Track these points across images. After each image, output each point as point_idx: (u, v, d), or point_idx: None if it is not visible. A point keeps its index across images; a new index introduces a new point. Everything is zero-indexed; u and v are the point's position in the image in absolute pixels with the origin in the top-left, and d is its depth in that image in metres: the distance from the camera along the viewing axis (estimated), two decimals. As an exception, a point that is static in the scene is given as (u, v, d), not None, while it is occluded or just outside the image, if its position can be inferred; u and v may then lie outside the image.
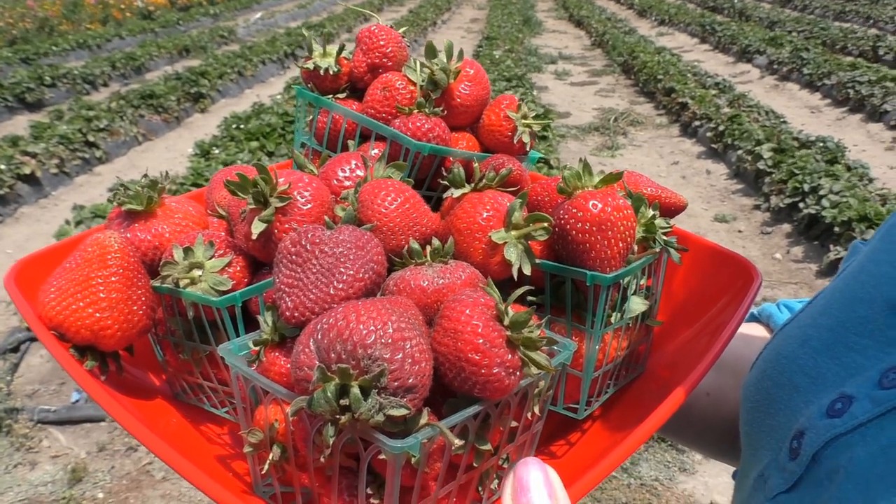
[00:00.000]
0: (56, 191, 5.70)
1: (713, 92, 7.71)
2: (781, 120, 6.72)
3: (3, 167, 5.27)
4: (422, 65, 0.80)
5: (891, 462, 0.48)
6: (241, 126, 6.22)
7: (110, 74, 9.40)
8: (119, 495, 2.69)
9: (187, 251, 0.62)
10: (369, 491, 0.50)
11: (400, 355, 0.44)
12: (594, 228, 0.60)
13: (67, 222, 4.44)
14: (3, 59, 9.56)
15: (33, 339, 3.55)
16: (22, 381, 3.32)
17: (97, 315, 0.57)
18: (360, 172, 0.69)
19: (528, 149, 0.82)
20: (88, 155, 6.19)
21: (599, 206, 0.60)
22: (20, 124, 7.17)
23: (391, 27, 0.85)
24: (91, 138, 6.31)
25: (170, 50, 10.90)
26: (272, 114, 6.51)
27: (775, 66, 9.54)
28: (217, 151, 5.66)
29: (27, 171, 5.44)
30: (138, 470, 2.81)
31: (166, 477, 2.77)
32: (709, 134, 6.56)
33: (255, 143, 5.81)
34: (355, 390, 0.43)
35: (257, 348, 0.55)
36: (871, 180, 4.96)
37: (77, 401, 3.16)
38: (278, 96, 7.88)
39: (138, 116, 7.12)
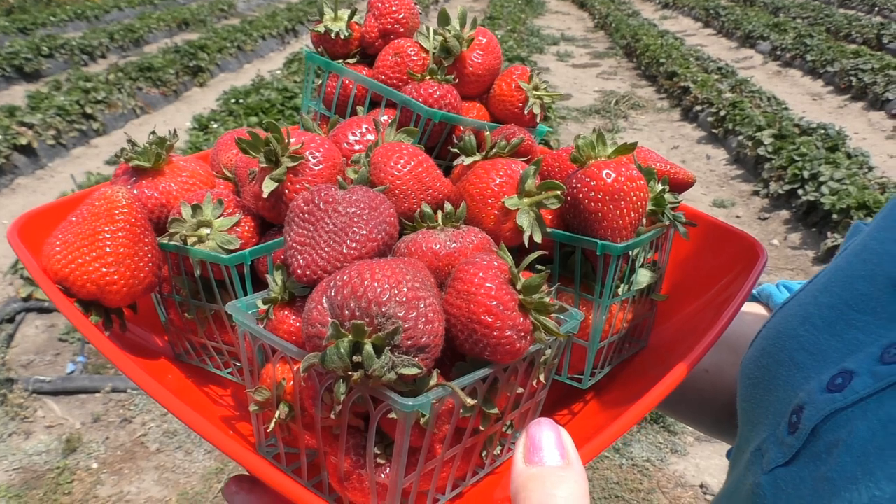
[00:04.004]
0: (52, 162, 5.66)
1: (715, 77, 7.67)
2: (783, 106, 6.70)
3: None
4: (434, 32, 0.79)
5: (890, 435, 0.49)
6: (241, 101, 6.17)
7: (108, 46, 9.30)
8: (113, 466, 2.70)
9: (195, 209, 0.61)
10: (376, 451, 0.49)
11: (414, 314, 0.44)
12: (607, 198, 0.60)
13: (64, 194, 4.41)
14: (0, 28, 9.45)
15: (29, 310, 3.54)
16: (17, 351, 3.32)
17: (103, 270, 0.56)
18: (370, 136, 0.68)
19: (538, 121, 0.82)
20: (86, 127, 6.15)
21: (613, 175, 0.60)
22: (17, 94, 7.10)
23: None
24: (89, 110, 6.26)
25: (169, 22, 10.79)
26: (272, 89, 6.46)
27: (778, 53, 9.50)
28: (216, 126, 5.62)
29: (24, 141, 5.40)
30: (132, 441, 2.82)
31: (160, 449, 2.78)
32: (710, 119, 6.54)
33: (254, 119, 5.77)
34: (368, 347, 0.42)
35: (265, 307, 0.54)
36: (870, 168, 4.96)
37: (72, 372, 3.16)
38: (278, 72, 7.81)
39: (136, 89, 7.06)
